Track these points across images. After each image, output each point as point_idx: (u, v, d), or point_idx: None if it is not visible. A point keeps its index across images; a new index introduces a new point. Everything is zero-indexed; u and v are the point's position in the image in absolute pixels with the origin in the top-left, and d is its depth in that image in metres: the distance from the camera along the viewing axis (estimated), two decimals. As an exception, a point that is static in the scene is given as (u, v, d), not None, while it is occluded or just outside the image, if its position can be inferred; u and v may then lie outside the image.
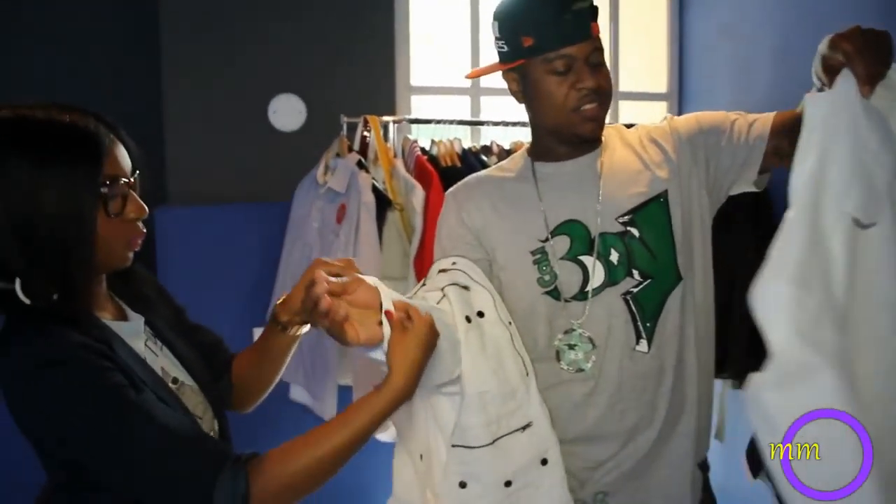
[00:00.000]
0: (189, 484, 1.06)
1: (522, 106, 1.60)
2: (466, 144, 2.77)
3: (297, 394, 2.61)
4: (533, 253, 1.54)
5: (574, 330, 1.52)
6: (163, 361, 1.24)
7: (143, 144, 1.23)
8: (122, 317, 1.23)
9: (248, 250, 2.84)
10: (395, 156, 2.63)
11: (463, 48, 3.19)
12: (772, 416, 1.15)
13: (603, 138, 1.58)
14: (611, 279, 1.51)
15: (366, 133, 2.63)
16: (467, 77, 1.75)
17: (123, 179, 1.13)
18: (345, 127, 2.69)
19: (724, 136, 1.53)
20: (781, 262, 1.08)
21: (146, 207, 1.17)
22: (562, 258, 1.53)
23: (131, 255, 1.19)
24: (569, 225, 1.54)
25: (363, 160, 2.52)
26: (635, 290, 1.51)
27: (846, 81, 1.17)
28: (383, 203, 2.45)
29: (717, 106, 3.24)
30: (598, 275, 1.51)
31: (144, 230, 1.19)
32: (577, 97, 1.46)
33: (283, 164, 2.87)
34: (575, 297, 1.52)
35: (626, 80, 3.44)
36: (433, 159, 2.65)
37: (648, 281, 1.51)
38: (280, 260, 2.72)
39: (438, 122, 2.71)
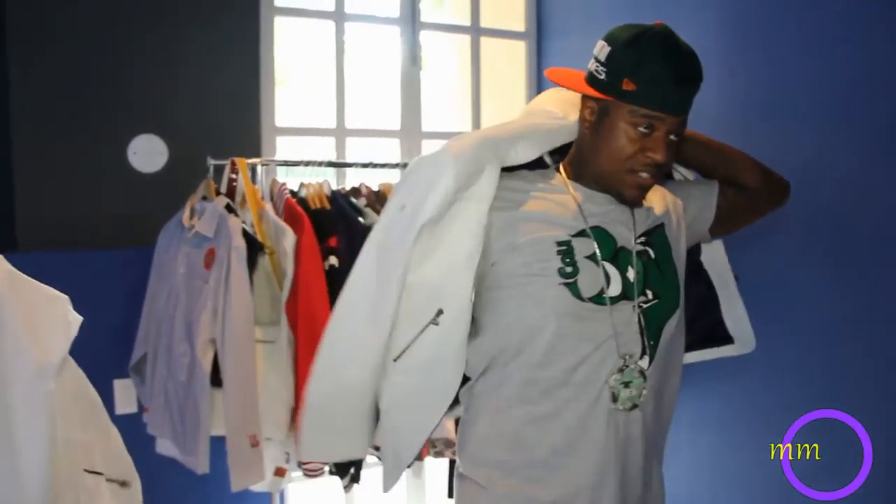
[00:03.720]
0: None
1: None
2: (333, 186, 2.75)
3: (165, 447, 2.50)
4: (559, 244, 1.52)
5: (627, 366, 1.50)
6: None
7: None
8: None
9: (107, 298, 2.71)
10: (264, 198, 2.59)
11: (327, 89, 3.19)
12: None
13: None
14: (627, 294, 1.53)
15: (233, 175, 2.57)
16: (547, 73, 1.66)
17: None
18: (211, 169, 2.63)
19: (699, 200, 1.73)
20: None
21: None
22: (586, 257, 1.53)
23: None
24: (598, 231, 1.55)
25: (231, 203, 2.47)
26: (645, 305, 1.54)
27: None
28: (253, 247, 2.41)
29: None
30: (615, 286, 1.53)
31: None
32: (641, 163, 1.47)
33: (145, 207, 2.77)
34: (592, 300, 1.50)
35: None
36: (301, 201, 2.62)
37: (657, 301, 1.56)
38: (142, 308, 2.61)
39: (308, 163, 2.69)
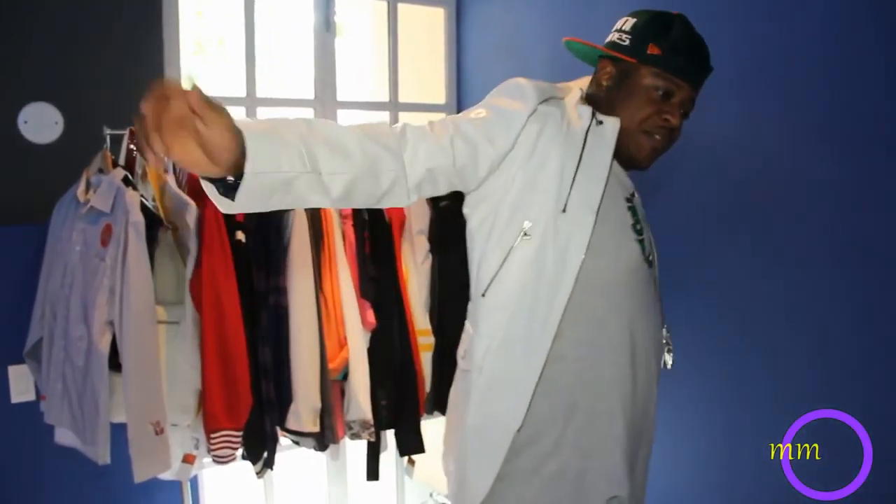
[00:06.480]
0: None
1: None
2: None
3: (64, 437, 2.35)
4: (627, 199, 1.57)
5: (669, 331, 1.62)
6: None
7: None
8: None
9: (-3, 280, 2.54)
10: (167, 171, 2.44)
11: (238, 57, 3.03)
12: None
13: None
14: (647, 259, 1.57)
15: (132, 146, 2.42)
16: (566, 39, 1.62)
17: None
18: (108, 140, 2.46)
19: None
20: None
21: None
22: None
23: None
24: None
25: (130, 176, 2.31)
26: (657, 274, 1.64)
27: None
28: (154, 223, 2.26)
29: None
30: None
31: None
32: (656, 124, 1.49)
33: (38, 181, 2.59)
34: (646, 260, 1.57)
35: (405, 92, 3.42)
36: (208, 174, 2.48)
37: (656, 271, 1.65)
38: (37, 289, 2.44)
39: (213, 134, 2.53)
